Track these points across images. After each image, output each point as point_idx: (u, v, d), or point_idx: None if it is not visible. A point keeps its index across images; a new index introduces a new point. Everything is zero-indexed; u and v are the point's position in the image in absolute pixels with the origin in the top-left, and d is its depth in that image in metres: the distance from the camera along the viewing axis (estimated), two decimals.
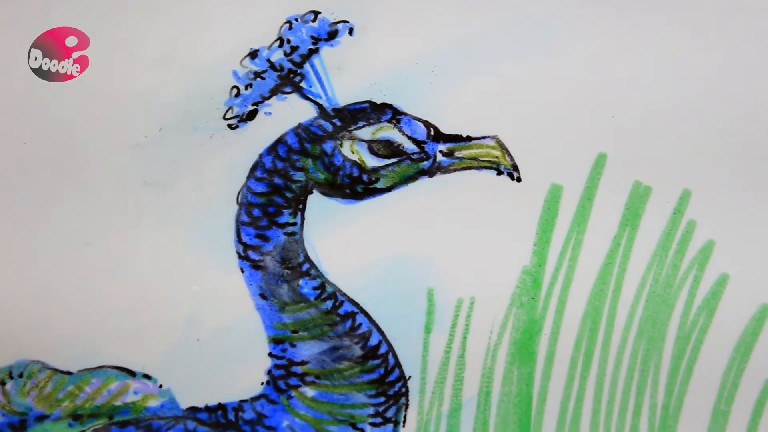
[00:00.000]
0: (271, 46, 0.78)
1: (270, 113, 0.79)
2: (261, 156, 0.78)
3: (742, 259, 0.78)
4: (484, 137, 0.78)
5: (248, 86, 0.79)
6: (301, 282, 0.78)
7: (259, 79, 0.78)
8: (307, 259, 0.78)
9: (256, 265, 0.78)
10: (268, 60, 0.78)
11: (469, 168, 0.78)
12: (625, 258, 0.78)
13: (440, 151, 0.78)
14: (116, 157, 0.80)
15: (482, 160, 0.77)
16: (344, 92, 0.79)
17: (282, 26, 0.78)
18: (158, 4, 0.80)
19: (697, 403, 0.78)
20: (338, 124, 0.78)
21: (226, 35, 0.80)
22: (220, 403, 0.78)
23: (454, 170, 0.78)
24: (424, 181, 0.78)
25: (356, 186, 0.78)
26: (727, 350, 0.78)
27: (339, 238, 0.79)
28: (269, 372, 0.78)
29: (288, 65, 0.78)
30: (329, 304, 0.77)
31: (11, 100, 0.80)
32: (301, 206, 0.78)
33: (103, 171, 0.80)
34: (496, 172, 0.78)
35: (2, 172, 0.80)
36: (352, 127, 0.78)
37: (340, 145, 0.78)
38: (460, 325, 0.78)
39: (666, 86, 0.78)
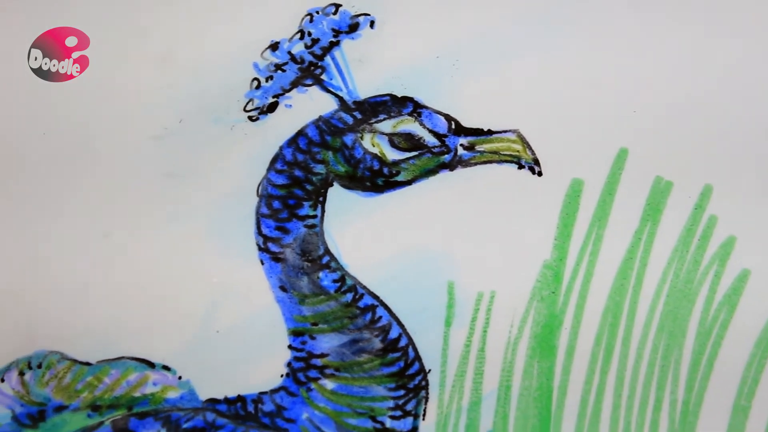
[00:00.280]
0: (292, 38, 0.78)
1: (290, 105, 0.79)
2: (281, 148, 0.78)
3: (763, 254, 0.78)
4: (505, 131, 0.78)
5: (269, 78, 0.79)
6: (321, 274, 0.78)
7: (279, 72, 0.78)
8: (327, 251, 0.78)
9: (276, 258, 0.78)
10: (289, 52, 0.78)
11: (490, 162, 0.78)
12: (646, 253, 0.78)
13: (461, 145, 0.77)
14: (136, 149, 0.80)
15: (503, 154, 0.77)
16: (365, 85, 0.79)
17: (303, 18, 0.78)
18: None
19: (717, 398, 0.78)
20: (359, 116, 0.78)
21: (247, 27, 0.80)
22: (239, 395, 0.78)
23: (475, 164, 0.78)
24: (444, 175, 0.78)
25: (377, 179, 0.78)
26: (748, 346, 0.78)
27: (359, 230, 0.79)
28: (289, 364, 0.78)
29: (309, 58, 0.78)
30: (349, 296, 0.77)
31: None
32: (321, 199, 0.78)
33: (122, 163, 0.80)
34: (517, 166, 0.77)
35: (20, 164, 0.80)
36: (373, 120, 0.78)
37: (361, 137, 0.78)
38: (481, 319, 0.78)
39: (688, 81, 0.78)
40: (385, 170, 0.77)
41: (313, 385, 0.77)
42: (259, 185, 0.78)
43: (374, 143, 0.77)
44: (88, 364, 0.79)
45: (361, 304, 0.77)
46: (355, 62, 0.79)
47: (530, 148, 0.77)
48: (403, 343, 0.77)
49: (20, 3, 0.81)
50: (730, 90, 0.78)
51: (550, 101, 0.78)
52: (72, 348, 0.79)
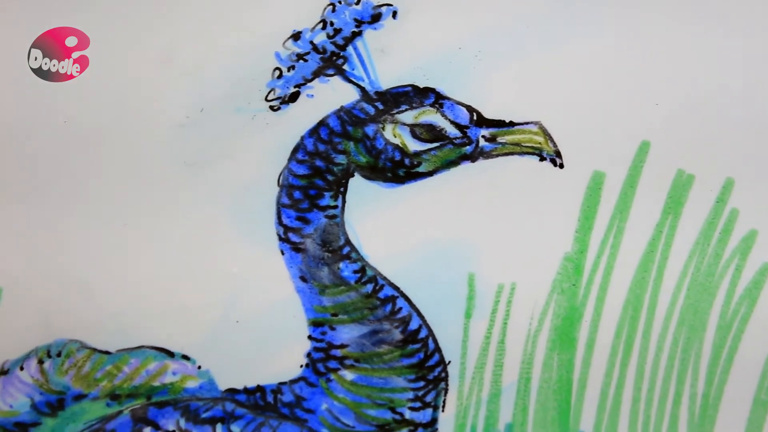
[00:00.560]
0: (314, 28, 0.78)
1: (312, 95, 0.78)
2: (303, 138, 0.78)
3: None
4: (527, 123, 0.77)
5: (291, 68, 0.78)
6: (341, 265, 0.77)
7: (301, 62, 0.78)
8: (348, 242, 0.78)
9: (296, 248, 0.78)
10: (311, 42, 0.78)
11: (512, 153, 0.77)
12: (667, 246, 0.78)
13: (483, 136, 0.77)
14: (157, 138, 0.80)
15: (525, 146, 0.77)
16: (387, 76, 0.79)
17: (325, 8, 0.78)
18: None
19: (737, 392, 0.78)
20: (380, 107, 0.78)
21: (270, 17, 0.79)
22: (258, 385, 0.78)
23: (497, 155, 0.77)
24: (466, 166, 0.78)
25: (398, 170, 0.78)
26: None
27: (380, 221, 0.78)
28: (308, 355, 0.78)
29: (331, 48, 0.78)
30: (369, 287, 0.77)
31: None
32: (342, 189, 0.78)
33: (144, 151, 0.80)
34: (538, 158, 0.77)
35: (35, 157, 0.80)
36: (395, 111, 0.78)
37: (383, 128, 0.77)
38: (501, 311, 0.78)
39: (710, 74, 0.78)
40: (407, 161, 0.77)
41: (332, 376, 0.77)
42: (280, 175, 0.78)
43: (396, 134, 0.77)
44: (107, 353, 0.79)
45: (381, 295, 0.77)
46: (377, 52, 0.79)
47: (552, 140, 0.77)
48: (423, 334, 0.77)
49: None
50: (752, 83, 0.78)
51: (572, 93, 0.78)
52: (91, 337, 0.79)
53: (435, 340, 0.78)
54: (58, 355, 0.78)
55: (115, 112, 0.80)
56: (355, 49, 0.78)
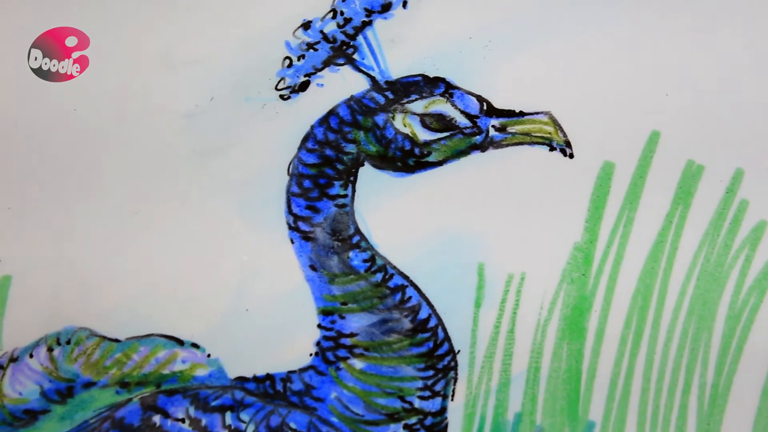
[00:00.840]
0: (324, 17, 0.78)
1: (322, 85, 0.79)
2: (312, 127, 0.78)
3: None
4: (537, 113, 0.77)
5: (301, 57, 0.78)
6: (351, 254, 0.77)
7: (311, 51, 0.78)
8: (358, 231, 0.78)
9: (306, 237, 0.78)
10: (321, 31, 0.78)
11: (522, 143, 0.77)
12: (677, 237, 0.78)
13: (493, 126, 0.77)
14: (167, 127, 0.80)
15: (535, 136, 0.77)
16: (397, 65, 0.79)
17: None
18: None
19: (746, 382, 0.78)
20: (390, 97, 0.78)
21: (280, 6, 0.79)
22: (268, 374, 0.78)
23: (507, 145, 0.77)
24: (476, 156, 0.78)
25: (408, 159, 0.78)
26: None
27: (390, 211, 0.78)
28: (318, 343, 0.78)
29: (341, 37, 0.78)
30: (379, 276, 0.77)
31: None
32: (352, 178, 0.78)
33: (153, 140, 0.80)
34: (548, 147, 0.77)
35: (45, 147, 0.80)
36: (405, 101, 0.78)
37: (392, 118, 0.77)
38: (510, 301, 0.78)
39: (720, 65, 0.78)
40: (417, 151, 0.77)
41: (342, 365, 0.77)
42: (290, 164, 0.78)
43: (406, 123, 0.77)
44: (116, 340, 0.79)
45: (390, 284, 0.77)
46: (388, 42, 0.79)
47: (562, 130, 0.77)
48: (432, 323, 0.77)
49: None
50: (763, 74, 0.78)
51: (582, 83, 0.78)
52: (101, 324, 0.79)
53: (444, 330, 0.78)
54: (68, 342, 0.78)
55: (123, 105, 0.80)
56: (365, 38, 0.78)
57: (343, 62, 0.78)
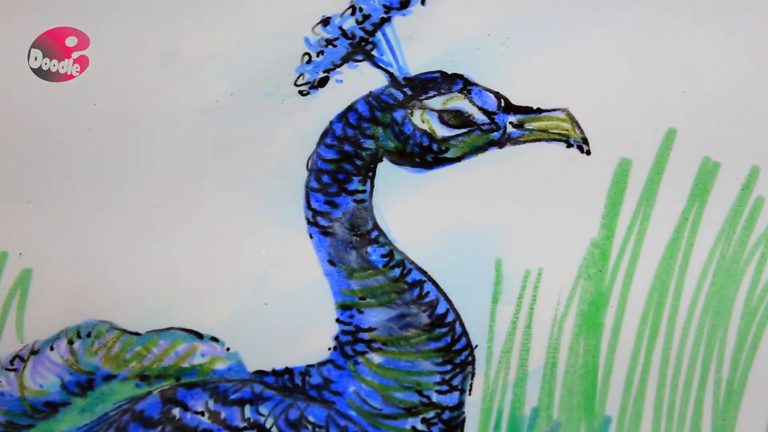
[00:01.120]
0: (343, 13, 0.79)
1: (341, 81, 0.79)
2: (331, 123, 0.79)
3: None
4: (554, 109, 0.78)
5: (320, 53, 0.79)
6: (369, 249, 0.78)
7: (330, 47, 0.79)
8: (376, 226, 0.78)
9: (325, 232, 0.78)
10: (340, 28, 0.78)
11: (539, 140, 0.78)
12: (693, 233, 0.79)
13: (510, 123, 0.78)
14: (187, 121, 0.80)
15: (552, 132, 0.78)
16: (415, 61, 0.79)
17: None
18: None
19: (762, 378, 0.78)
20: (409, 93, 0.78)
21: (299, 2, 0.80)
22: (287, 368, 0.78)
23: (524, 142, 0.78)
24: (493, 152, 0.78)
25: (426, 155, 0.78)
26: None
27: (408, 206, 0.79)
28: (336, 338, 0.78)
29: (360, 33, 0.78)
30: (397, 271, 0.78)
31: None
32: (370, 174, 0.78)
33: (173, 134, 0.80)
34: (565, 144, 0.78)
35: (64, 141, 0.81)
36: (423, 97, 0.78)
37: (411, 114, 0.78)
38: (527, 296, 0.79)
39: (737, 62, 0.79)
40: (435, 147, 0.78)
41: (360, 359, 0.78)
42: (308, 159, 0.79)
43: (424, 119, 0.78)
44: (137, 334, 0.79)
45: (409, 279, 0.78)
46: (406, 38, 0.79)
47: (579, 127, 0.78)
48: (450, 318, 0.78)
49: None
50: None
51: (599, 80, 0.79)
52: (121, 317, 0.79)
53: (462, 325, 0.78)
54: (88, 335, 0.79)
55: (135, 102, 0.80)
56: (384, 35, 0.79)
57: (361, 58, 0.79)
